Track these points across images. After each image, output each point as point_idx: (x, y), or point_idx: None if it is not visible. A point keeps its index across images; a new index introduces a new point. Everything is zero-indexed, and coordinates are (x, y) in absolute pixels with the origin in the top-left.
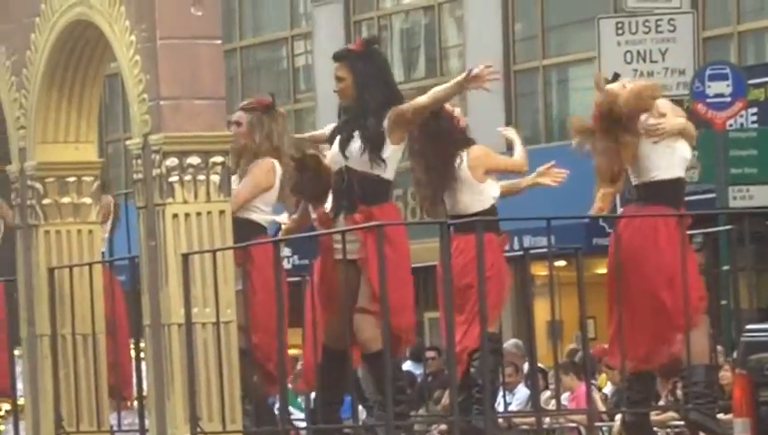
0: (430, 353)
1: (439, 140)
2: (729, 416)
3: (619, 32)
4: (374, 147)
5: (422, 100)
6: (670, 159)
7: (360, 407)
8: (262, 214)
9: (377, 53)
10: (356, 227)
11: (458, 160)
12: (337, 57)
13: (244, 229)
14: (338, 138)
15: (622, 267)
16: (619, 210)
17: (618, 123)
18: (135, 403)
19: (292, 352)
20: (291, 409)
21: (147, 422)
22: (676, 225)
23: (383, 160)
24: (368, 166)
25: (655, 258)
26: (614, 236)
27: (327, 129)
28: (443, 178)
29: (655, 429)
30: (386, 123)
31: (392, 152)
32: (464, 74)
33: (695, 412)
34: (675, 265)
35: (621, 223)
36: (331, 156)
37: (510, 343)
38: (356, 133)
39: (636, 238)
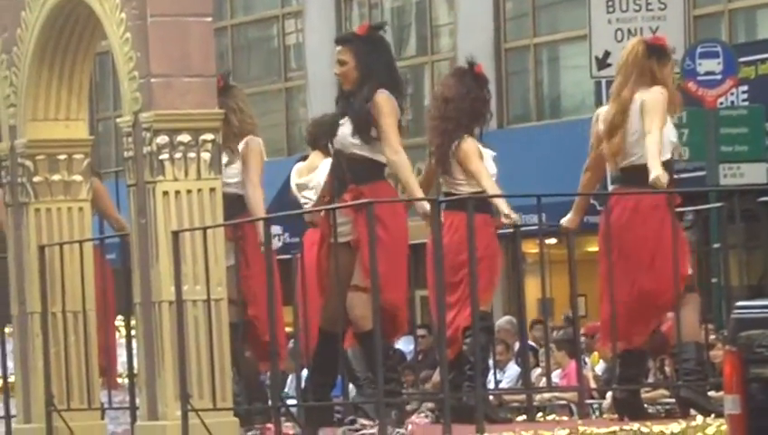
0: (421, 331)
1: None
2: (720, 393)
3: (610, 9)
4: (362, 129)
5: (389, 153)
6: None
7: (351, 385)
8: None
9: (382, 39)
10: (347, 205)
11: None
12: (340, 41)
13: (235, 205)
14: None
15: (613, 247)
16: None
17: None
18: (126, 381)
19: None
20: None
21: (137, 400)
22: (665, 204)
23: (374, 139)
24: (358, 148)
25: (643, 238)
26: (604, 215)
27: None
28: (459, 122)
29: (645, 406)
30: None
31: None
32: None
33: (686, 389)
34: (660, 244)
35: (611, 203)
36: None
37: (503, 320)
38: (347, 117)
39: (625, 218)
